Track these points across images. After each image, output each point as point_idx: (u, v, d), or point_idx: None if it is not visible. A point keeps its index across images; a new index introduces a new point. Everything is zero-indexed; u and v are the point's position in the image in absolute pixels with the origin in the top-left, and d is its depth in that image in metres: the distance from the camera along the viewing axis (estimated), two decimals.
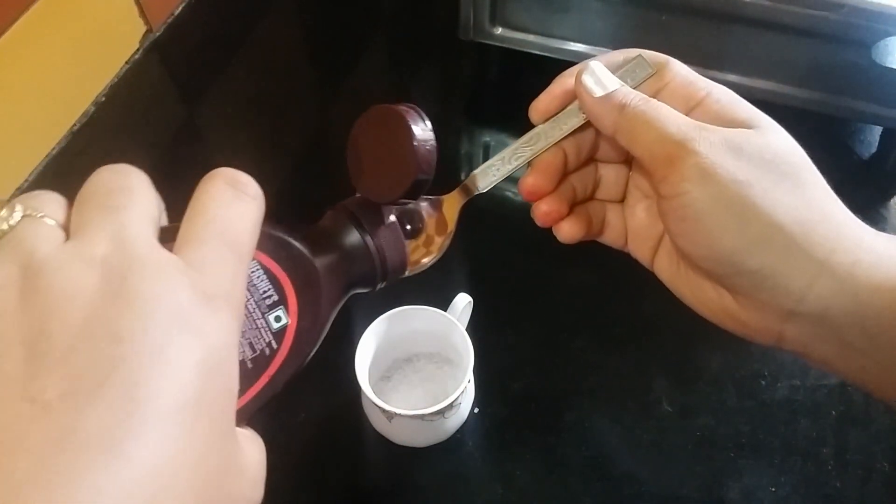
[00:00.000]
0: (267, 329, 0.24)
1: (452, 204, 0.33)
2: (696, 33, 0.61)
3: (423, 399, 0.51)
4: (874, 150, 0.68)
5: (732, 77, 0.63)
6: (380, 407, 0.46)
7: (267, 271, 0.25)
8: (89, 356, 0.18)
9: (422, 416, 0.47)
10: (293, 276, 0.26)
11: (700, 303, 0.32)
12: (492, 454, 0.51)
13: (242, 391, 0.22)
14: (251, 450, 0.22)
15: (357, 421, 0.51)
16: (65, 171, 0.67)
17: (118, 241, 0.20)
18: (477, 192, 0.34)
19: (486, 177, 0.33)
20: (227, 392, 0.20)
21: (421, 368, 0.53)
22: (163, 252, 0.21)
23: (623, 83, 0.31)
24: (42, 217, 0.22)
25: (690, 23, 0.61)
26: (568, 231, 0.34)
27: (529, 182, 0.33)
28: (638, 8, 0.62)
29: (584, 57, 0.68)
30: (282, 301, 0.25)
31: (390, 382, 0.53)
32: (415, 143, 0.28)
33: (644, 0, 0.61)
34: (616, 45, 0.65)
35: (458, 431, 0.50)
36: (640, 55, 0.32)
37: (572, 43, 0.66)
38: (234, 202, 0.23)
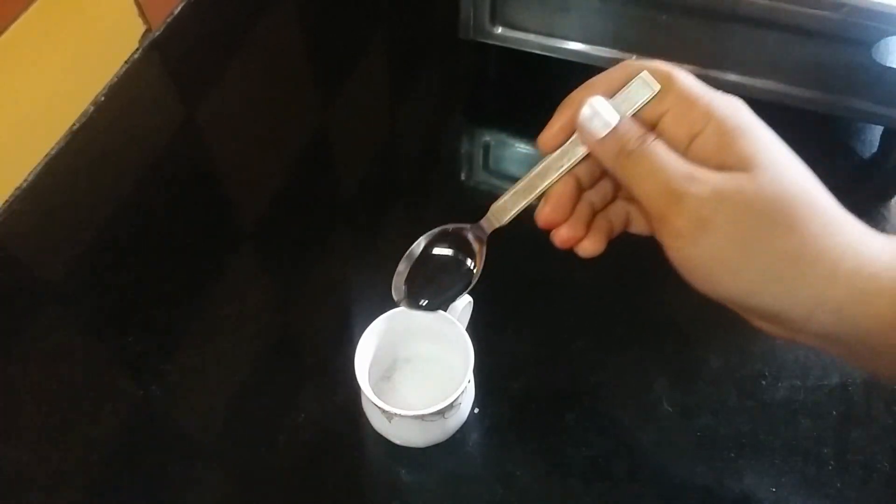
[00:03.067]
0: None
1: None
2: (696, 33, 0.61)
3: (423, 399, 0.51)
4: (874, 149, 0.68)
5: (732, 77, 0.63)
6: (380, 407, 0.46)
7: None
8: None
9: (422, 416, 0.47)
10: None
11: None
12: (492, 454, 0.51)
13: None
14: None
15: (357, 421, 0.51)
16: (65, 171, 0.67)
17: None
18: (498, 226, 0.37)
19: (505, 213, 0.36)
20: None
21: (421, 368, 0.53)
22: None
23: (622, 115, 0.32)
24: None
25: (690, 23, 0.61)
26: (589, 248, 0.35)
27: (545, 214, 0.34)
28: (638, 8, 0.62)
29: (584, 57, 0.68)
30: None
31: (390, 382, 0.52)
32: None
33: (644, 0, 0.61)
34: (616, 45, 0.66)
35: (458, 431, 0.50)
36: (640, 76, 0.32)
37: (572, 42, 0.66)
38: None
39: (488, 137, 0.72)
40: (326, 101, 0.74)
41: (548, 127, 0.34)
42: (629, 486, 0.50)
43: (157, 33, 0.76)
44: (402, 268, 0.38)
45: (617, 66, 0.33)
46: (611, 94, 0.32)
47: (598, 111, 0.32)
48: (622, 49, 0.65)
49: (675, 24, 0.61)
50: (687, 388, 0.53)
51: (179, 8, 0.78)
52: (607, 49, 0.66)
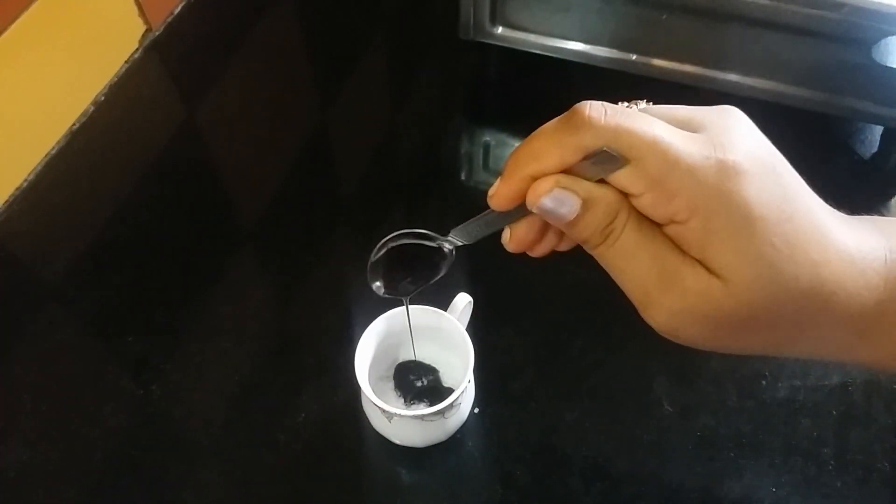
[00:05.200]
0: None
1: None
2: (696, 33, 0.61)
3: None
4: (874, 149, 0.68)
5: (732, 77, 0.63)
6: (380, 407, 0.46)
7: None
8: None
9: (422, 416, 0.47)
10: None
11: None
12: (492, 454, 0.51)
13: None
14: None
15: (357, 421, 0.51)
16: (65, 171, 0.67)
17: None
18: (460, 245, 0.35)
19: (466, 235, 0.34)
20: None
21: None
22: None
23: (586, 195, 0.27)
24: None
25: (690, 23, 0.61)
26: (542, 251, 0.33)
27: (511, 247, 0.32)
28: (638, 7, 0.62)
29: (584, 56, 0.68)
30: None
31: (390, 382, 0.52)
32: None
33: (644, 0, 0.61)
34: (616, 45, 0.66)
35: (458, 431, 0.50)
36: (603, 149, 0.26)
37: (572, 42, 0.66)
38: None
39: (488, 137, 0.72)
40: (326, 101, 0.74)
41: (498, 188, 0.29)
42: (629, 486, 0.50)
43: (157, 33, 0.76)
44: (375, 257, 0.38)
45: (570, 126, 0.27)
46: (567, 166, 0.27)
47: (561, 200, 0.27)
48: (622, 49, 0.65)
49: (675, 24, 0.61)
50: (687, 388, 0.53)
51: (179, 8, 0.78)
52: (607, 49, 0.66)
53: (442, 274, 0.37)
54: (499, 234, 0.36)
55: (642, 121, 0.26)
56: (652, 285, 0.28)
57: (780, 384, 0.53)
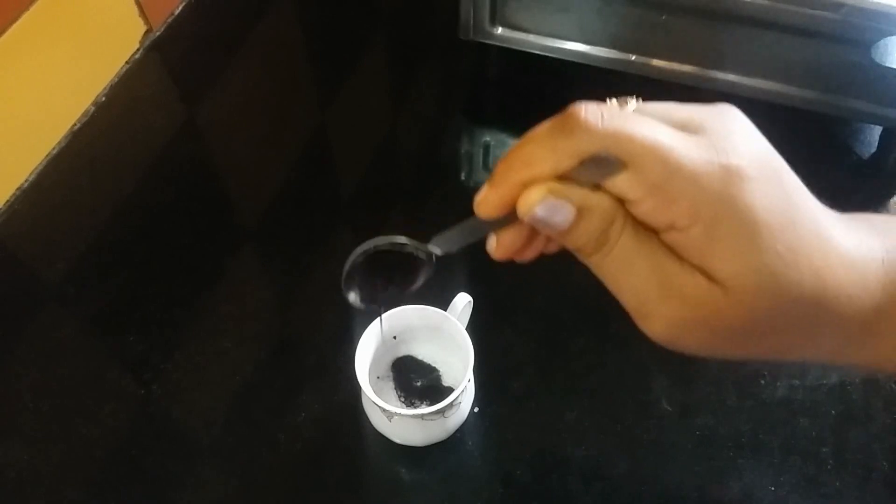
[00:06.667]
0: None
1: None
2: (696, 33, 0.61)
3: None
4: (874, 150, 0.68)
5: (732, 77, 0.63)
6: (380, 407, 0.46)
7: None
8: None
9: (422, 416, 0.47)
10: None
11: None
12: (492, 454, 0.51)
13: None
14: None
15: (357, 421, 0.51)
16: (66, 171, 0.67)
17: None
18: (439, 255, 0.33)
19: (447, 244, 0.32)
20: None
21: None
22: None
23: (580, 203, 0.26)
24: None
25: (690, 23, 0.61)
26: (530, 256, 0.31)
27: (498, 256, 0.30)
28: (638, 8, 0.62)
29: (584, 57, 0.68)
30: None
31: (390, 382, 0.53)
32: None
33: (644, 0, 0.61)
34: (616, 45, 0.66)
35: (458, 431, 0.50)
36: (599, 154, 0.25)
37: (572, 42, 0.66)
38: None
39: (488, 137, 0.72)
40: (326, 101, 0.74)
41: (486, 195, 0.28)
42: (629, 486, 0.50)
43: (158, 33, 0.76)
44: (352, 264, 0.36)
45: (565, 130, 0.26)
46: (561, 172, 0.26)
47: (555, 209, 0.26)
48: (622, 49, 0.65)
49: (675, 24, 0.61)
50: (686, 388, 0.53)
51: (179, 8, 0.78)
52: (607, 49, 0.66)
53: (419, 284, 0.35)
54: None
55: (641, 124, 0.25)
56: (649, 294, 0.27)
57: (778, 384, 0.53)
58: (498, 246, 0.30)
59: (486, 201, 0.28)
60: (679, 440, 0.51)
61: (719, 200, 0.25)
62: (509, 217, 0.28)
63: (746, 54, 0.62)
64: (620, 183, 0.26)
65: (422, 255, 0.33)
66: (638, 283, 0.27)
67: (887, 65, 0.56)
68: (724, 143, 0.25)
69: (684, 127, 0.26)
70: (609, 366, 0.55)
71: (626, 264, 0.27)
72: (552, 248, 0.30)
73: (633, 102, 0.28)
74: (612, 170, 0.25)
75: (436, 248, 0.32)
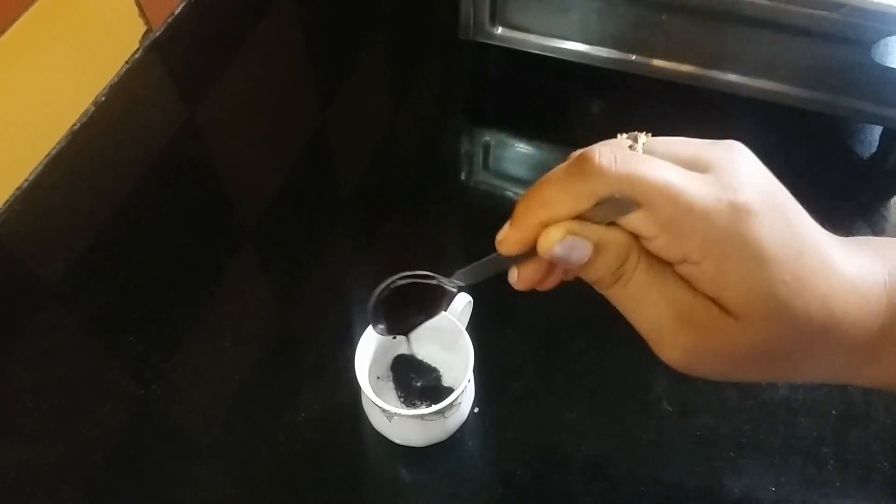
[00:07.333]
0: None
1: None
2: (696, 33, 0.61)
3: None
4: (874, 149, 0.68)
5: (732, 77, 0.63)
6: (380, 407, 0.46)
7: None
8: None
9: (422, 416, 0.47)
10: None
11: None
12: (492, 454, 0.51)
13: None
14: None
15: (357, 421, 0.51)
16: (65, 171, 0.67)
17: None
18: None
19: (470, 277, 0.34)
20: None
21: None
22: None
23: (597, 239, 0.28)
24: None
25: (690, 23, 0.61)
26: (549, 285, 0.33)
27: (520, 287, 0.32)
28: (638, 8, 0.62)
29: (584, 57, 0.68)
30: None
31: (390, 382, 0.53)
32: None
33: (644, 0, 0.61)
34: (616, 45, 0.66)
35: (458, 431, 0.50)
36: (613, 197, 0.27)
37: (572, 42, 0.66)
38: None
39: (488, 137, 0.72)
40: (326, 101, 0.74)
41: (508, 234, 0.30)
42: (629, 486, 0.50)
43: (158, 33, 0.76)
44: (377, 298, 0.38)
45: (581, 174, 0.27)
46: (578, 213, 0.28)
47: (573, 247, 0.28)
48: (622, 49, 0.65)
49: (675, 24, 0.61)
50: (687, 388, 0.53)
51: (179, 8, 0.78)
52: (607, 49, 0.66)
53: (443, 311, 0.38)
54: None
55: (652, 165, 0.27)
56: (665, 324, 0.28)
57: (779, 384, 0.53)
58: (519, 279, 0.31)
59: (508, 241, 0.30)
60: (679, 440, 0.51)
61: (728, 236, 0.26)
62: (529, 252, 0.29)
63: (746, 54, 0.62)
64: (635, 221, 0.27)
65: (447, 288, 0.35)
66: (654, 313, 0.29)
67: (887, 65, 0.56)
68: (731, 180, 0.27)
69: (693, 164, 0.28)
70: (609, 366, 0.55)
71: (643, 295, 0.29)
72: (571, 277, 0.32)
73: (642, 137, 0.29)
74: (627, 209, 0.27)
75: (460, 281, 0.35)
